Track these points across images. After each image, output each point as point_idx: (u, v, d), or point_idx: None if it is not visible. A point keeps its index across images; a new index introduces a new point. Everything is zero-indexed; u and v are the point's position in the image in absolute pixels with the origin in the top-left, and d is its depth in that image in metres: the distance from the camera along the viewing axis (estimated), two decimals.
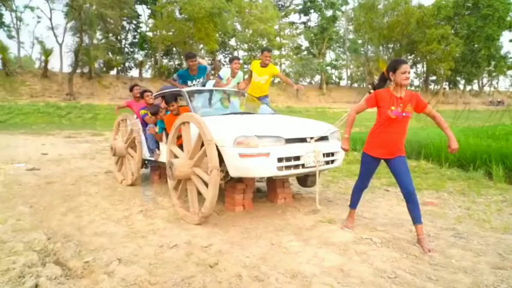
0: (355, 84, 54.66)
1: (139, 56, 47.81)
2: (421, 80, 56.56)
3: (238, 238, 3.35)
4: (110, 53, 41.30)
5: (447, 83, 56.95)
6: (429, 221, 3.70)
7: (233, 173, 3.68)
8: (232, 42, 47.51)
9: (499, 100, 53.99)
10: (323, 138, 4.09)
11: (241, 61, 6.16)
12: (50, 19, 31.06)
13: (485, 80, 59.38)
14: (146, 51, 46.90)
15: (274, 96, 42.20)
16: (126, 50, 46.16)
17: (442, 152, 7.07)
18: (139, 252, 3.01)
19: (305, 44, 50.20)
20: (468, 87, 59.25)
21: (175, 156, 4.11)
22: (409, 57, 54.09)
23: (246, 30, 42.62)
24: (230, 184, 4.27)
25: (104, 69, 42.48)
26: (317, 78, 51.09)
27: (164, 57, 49.55)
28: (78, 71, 34.00)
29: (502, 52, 54.47)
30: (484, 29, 45.18)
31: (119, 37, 43.83)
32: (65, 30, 31.29)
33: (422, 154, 7.52)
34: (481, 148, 6.27)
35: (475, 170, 6.01)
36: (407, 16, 42.07)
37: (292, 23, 48.30)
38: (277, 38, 43.97)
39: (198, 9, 32.00)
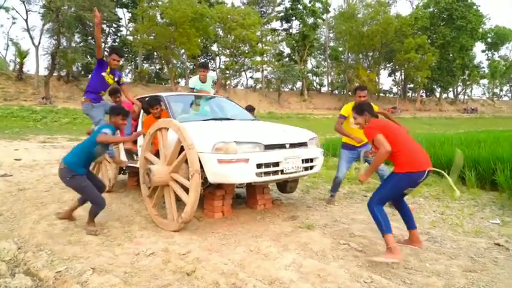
0: (336, 91, 55.47)
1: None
2: (399, 88, 57.96)
3: (216, 245, 3.32)
4: (88, 57, 40.63)
5: (424, 91, 58.63)
6: (404, 225, 3.77)
7: (212, 179, 3.65)
8: (214, 47, 47.56)
9: (472, 108, 56.04)
10: (302, 145, 4.12)
11: (208, 71, 6.36)
12: (26, 20, 30.17)
13: (459, 88, 61.40)
14: (126, 55, 46.36)
15: (255, 102, 42.40)
16: (105, 53, 45.53)
17: None
18: (115, 261, 2.94)
19: (287, 50, 50.76)
20: (444, 95, 61.16)
21: (150, 163, 4.05)
22: (388, 65, 55.56)
23: (228, 36, 42.72)
24: (209, 190, 4.23)
25: (83, 72, 41.72)
26: (299, 84, 51.72)
27: (145, 62, 49.13)
28: (55, 74, 33.16)
29: (475, 62, 56.73)
30: (458, 40, 46.93)
31: None
32: (42, 32, 30.47)
33: None
34: (453, 154, 6.44)
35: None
36: (386, 25, 43.20)
37: (274, 30, 48.75)
38: (259, 44, 44.25)
39: (180, 14, 31.90)
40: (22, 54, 31.39)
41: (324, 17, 51.10)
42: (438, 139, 8.73)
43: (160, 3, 37.85)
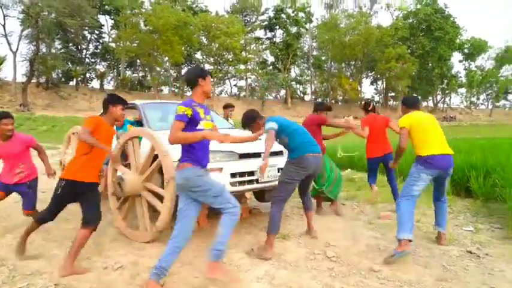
0: (319, 99, 56.09)
1: (101, 67, 46.62)
2: (381, 96, 59.10)
3: (189, 257, 3.22)
4: (69, 63, 39.94)
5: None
6: (381, 234, 3.77)
7: None
8: (198, 55, 47.55)
9: (451, 116, 57.49)
10: (278, 153, 4.09)
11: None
12: (3, 26, 29.47)
13: (439, 97, 63.00)
14: (109, 62, 45.83)
15: (239, 110, 42.46)
16: (87, 60, 44.88)
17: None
18: (80, 276, 2.81)
19: (271, 59, 51.18)
20: (424, 104, 62.59)
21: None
22: (370, 74, 56.66)
23: (212, 44, 42.80)
24: None
25: (63, 79, 40.96)
26: (282, 92, 52.07)
27: (128, 69, 48.64)
28: (34, 80, 32.48)
29: (453, 71, 58.43)
30: (437, 50, 48.30)
31: (79, 47, 42.55)
32: (20, 38, 29.84)
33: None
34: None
35: None
36: (367, 35, 44.14)
37: (258, 38, 49.13)
38: (243, 53, 44.49)
39: (163, 22, 31.82)
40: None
41: (307, 26, 51.88)
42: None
43: (143, 10, 37.76)
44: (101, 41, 44.81)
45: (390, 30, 46.81)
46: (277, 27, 47.99)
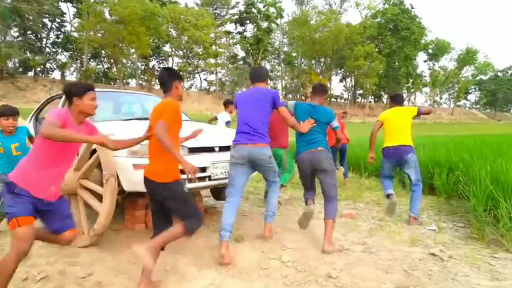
0: (290, 95, 56.29)
1: (63, 57, 44.34)
2: (349, 94, 60.18)
3: (127, 264, 2.83)
4: (28, 52, 37.61)
5: (373, 97, 61.31)
6: (342, 234, 3.53)
7: (127, 186, 3.16)
8: (167, 48, 46.27)
9: None
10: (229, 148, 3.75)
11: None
12: None
13: (405, 96, 64.90)
14: (71, 52, 43.64)
15: (209, 105, 41.76)
16: (48, 50, 42.49)
17: (361, 161, 7.21)
18: None
19: (241, 53, 50.68)
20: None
21: None
22: (339, 71, 57.50)
23: (182, 36, 41.74)
24: (130, 199, 3.73)
25: (21, 69, 38.57)
26: None
27: (92, 60, 46.54)
28: None
29: (418, 71, 60.40)
30: (403, 49, 49.66)
31: (39, 35, 40.19)
32: None
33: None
34: None
35: None
36: (337, 32, 44.62)
37: (228, 32, 48.44)
38: (213, 47, 43.72)
39: (129, 12, 30.51)
40: None
41: (278, 22, 51.72)
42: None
43: None
44: (62, 30, 42.57)
45: (359, 28, 47.56)
46: (248, 21, 47.46)
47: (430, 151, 6.51)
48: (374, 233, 3.58)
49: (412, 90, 62.89)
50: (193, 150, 3.35)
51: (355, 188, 6.03)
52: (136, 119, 4.13)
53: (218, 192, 4.54)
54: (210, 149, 3.51)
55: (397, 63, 52.12)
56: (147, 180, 2.42)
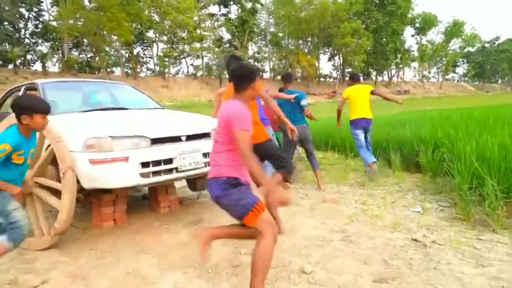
0: (278, 77, 55.71)
1: (44, 47, 43.02)
2: (338, 72, 59.74)
3: (87, 267, 2.61)
4: (6, 44, 36.35)
5: (362, 75, 61.02)
6: (321, 222, 3.34)
7: (85, 183, 2.91)
8: (151, 34, 45.08)
9: (405, 89, 59.46)
10: (204, 136, 3.50)
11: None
12: None
13: (393, 71, 64.78)
14: (52, 42, 42.33)
15: (196, 90, 41.12)
16: (27, 41, 41.12)
17: (347, 142, 7.01)
18: None
19: (227, 36, 49.72)
20: (380, 78, 64.18)
21: None
22: (327, 50, 56.87)
23: (166, 21, 40.62)
24: (96, 195, 3.48)
25: (1, 62, 37.34)
26: None
27: (74, 50, 45.25)
28: None
29: (406, 46, 60.07)
30: (390, 24, 49.20)
31: (16, 26, 38.80)
32: None
33: (329, 145, 7.43)
34: (381, 137, 6.26)
35: (377, 159, 5.98)
36: (323, 10, 43.86)
37: (212, 15, 47.35)
38: (198, 30, 42.73)
39: None
40: None
41: (263, 1, 50.65)
42: None
43: None
44: (40, 19, 41.15)
45: (345, 5, 46.86)
46: (232, 2, 46.42)
47: (416, 127, 6.31)
48: (355, 219, 3.40)
49: (400, 66, 62.75)
50: (156, 141, 3.09)
51: (340, 170, 5.85)
52: (100, 109, 3.84)
53: (192, 183, 4.30)
54: (176, 139, 3.25)
55: (384, 39, 51.73)
56: None
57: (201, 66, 47.79)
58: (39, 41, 42.43)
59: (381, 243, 2.75)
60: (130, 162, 2.88)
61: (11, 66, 37.36)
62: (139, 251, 2.85)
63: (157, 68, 46.08)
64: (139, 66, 49.17)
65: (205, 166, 3.46)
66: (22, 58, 39.41)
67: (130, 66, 45.07)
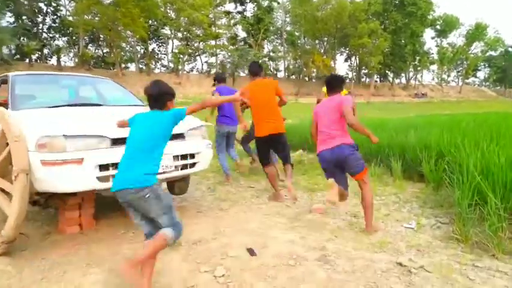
0: (293, 76, 55.21)
1: (61, 42, 43.69)
2: (354, 73, 58.78)
3: (28, 281, 2.35)
4: (25, 39, 37.01)
5: (378, 76, 59.93)
6: (301, 236, 3.00)
7: (38, 186, 2.67)
8: (167, 30, 45.22)
9: (422, 93, 58.11)
10: (176, 137, 3.21)
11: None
12: None
13: (411, 74, 63.33)
14: (68, 37, 42.93)
15: (209, 87, 40.99)
16: (44, 35, 41.77)
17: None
18: None
19: (242, 34, 49.46)
20: (397, 80, 62.92)
21: None
22: (344, 50, 55.98)
23: (181, 18, 40.62)
24: (60, 198, 3.23)
25: (18, 56, 38.06)
26: None
27: (91, 45, 45.82)
28: None
29: (425, 48, 58.58)
30: (409, 26, 47.97)
31: (34, 21, 39.46)
32: None
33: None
34: (383, 141, 5.85)
35: (377, 165, 5.59)
36: (340, 10, 43.08)
37: (228, 12, 47.14)
38: (213, 28, 42.61)
39: None
40: None
41: (280, 0, 50.16)
42: (374, 123, 8.19)
43: None
44: (58, 14, 41.75)
45: (363, 5, 45.92)
46: (248, 0, 46.10)
47: (423, 132, 5.88)
48: (340, 234, 3.05)
49: (418, 68, 61.29)
50: (118, 141, 2.81)
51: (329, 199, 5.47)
52: (72, 105, 3.59)
53: (170, 186, 4.01)
54: None
55: (403, 41, 50.52)
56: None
57: (214, 64, 47.68)
58: (56, 36, 43.09)
59: (361, 266, 2.40)
60: (85, 164, 2.62)
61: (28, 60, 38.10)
62: (91, 262, 2.58)
63: (171, 65, 46.22)
64: (153, 63, 49.46)
65: (176, 170, 3.18)
66: (39, 52, 40.10)
67: (145, 62, 45.33)
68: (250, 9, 47.38)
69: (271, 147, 4.24)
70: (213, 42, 44.68)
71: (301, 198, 4.31)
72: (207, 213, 3.69)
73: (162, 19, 39.52)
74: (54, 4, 40.39)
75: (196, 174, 5.72)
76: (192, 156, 3.33)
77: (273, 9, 47.62)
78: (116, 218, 3.59)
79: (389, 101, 48.28)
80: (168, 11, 41.06)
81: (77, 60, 39.60)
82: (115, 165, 2.74)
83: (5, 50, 34.78)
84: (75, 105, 3.58)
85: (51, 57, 43.14)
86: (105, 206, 3.80)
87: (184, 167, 3.29)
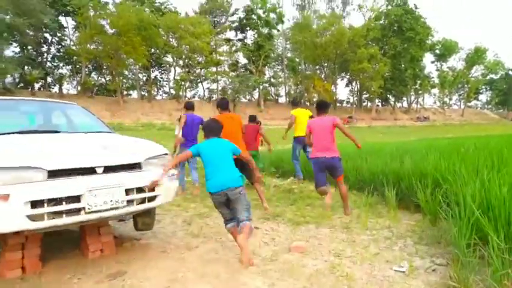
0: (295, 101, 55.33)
1: (64, 70, 44.43)
2: (355, 98, 58.93)
3: None
4: (29, 67, 37.61)
5: (380, 101, 60.02)
6: (270, 283, 2.56)
7: None
8: (169, 58, 45.89)
9: (424, 116, 57.93)
10: (131, 167, 2.84)
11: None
12: None
13: (412, 97, 63.41)
14: (72, 66, 43.65)
15: (210, 113, 41.05)
16: (48, 64, 42.48)
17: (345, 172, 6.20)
18: None
19: (243, 61, 50.06)
20: (398, 104, 62.95)
21: None
22: (344, 75, 56.42)
23: (183, 46, 41.29)
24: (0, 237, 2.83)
25: (22, 84, 38.58)
26: (257, 95, 50.92)
27: (94, 73, 46.50)
28: None
29: (425, 72, 58.94)
30: (409, 50, 48.42)
31: (39, 50, 40.29)
32: None
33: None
34: (377, 168, 5.46)
35: (371, 194, 5.16)
36: (340, 36, 43.70)
37: (229, 40, 47.94)
38: (214, 54, 43.18)
39: (124, 22, 30.13)
40: None
41: (280, 27, 51.10)
42: (373, 148, 7.79)
43: (108, 11, 35.92)
44: (63, 43, 42.65)
45: (362, 31, 46.58)
46: (248, 28, 46.94)
47: (420, 158, 5.48)
48: (316, 280, 2.60)
49: (420, 92, 61.42)
50: (56, 174, 2.44)
51: (326, 205, 5.03)
52: (23, 132, 3.24)
53: (134, 221, 3.60)
54: (88, 171, 2.59)
55: (403, 65, 50.88)
56: None
57: (215, 90, 48.02)
58: (60, 65, 43.83)
59: None
60: (11, 200, 2.23)
61: (36, 87, 38.64)
62: None
63: (173, 91, 46.60)
64: (155, 90, 49.96)
65: (130, 205, 2.78)
66: (43, 81, 40.67)
67: (147, 89, 45.76)
68: (250, 36, 48.21)
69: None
70: (214, 69, 45.17)
71: (282, 233, 3.87)
72: (171, 254, 3.26)
73: (164, 47, 40.15)
74: (59, 34, 41.34)
75: (180, 206, 5.34)
76: (152, 188, 2.94)
77: (273, 36, 48.40)
78: (66, 259, 3.16)
79: (392, 124, 48.04)
80: (170, 39, 41.79)
81: (79, 88, 39.98)
82: (52, 201, 2.38)
83: (8, 79, 35.30)
84: (27, 132, 3.23)
85: (54, 85, 43.76)
86: (55, 244, 3.39)
87: (141, 201, 2.90)
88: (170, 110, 40.15)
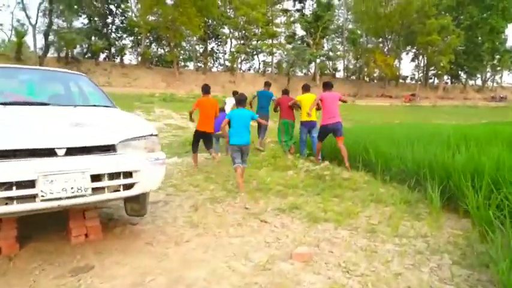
0: (353, 77, 52.63)
1: (127, 41, 46.25)
2: (421, 74, 54.46)
3: None
4: (96, 38, 39.62)
5: (449, 78, 54.86)
6: None
7: None
8: (226, 30, 45.63)
9: (501, 96, 51.87)
10: (103, 150, 2.45)
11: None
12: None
13: (488, 75, 57.01)
14: (134, 37, 45.25)
15: (262, 86, 40.50)
16: (113, 35, 44.46)
17: (379, 159, 5.40)
18: None
19: (301, 33, 48.17)
20: (471, 82, 57.17)
21: None
22: (409, 49, 52.06)
23: (240, 17, 40.62)
24: None
25: (89, 54, 40.91)
26: (313, 69, 49.08)
27: (155, 44, 47.86)
28: (55, 55, 32.38)
29: (507, 46, 52.16)
30: (488, 21, 42.89)
31: (104, 21, 42.18)
32: (38, 11, 29.56)
33: (361, 162, 5.84)
34: (424, 159, 4.59)
35: (412, 190, 4.38)
36: (406, 5, 39.89)
37: (286, 11, 46.15)
38: (270, 26, 41.98)
39: None
40: (20, 34, 30.59)
41: None
42: (422, 132, 6.76)
43: None
44: (126, 15, 44.17)
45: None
46: None
47: (479, 149, 4.47)
48: None
49: (498, 69, 54.87)
50: (5, 154, 2.11)
51: (358, 199, 4.36)
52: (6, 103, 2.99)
53: (126, 205, 3.26)
54: (46, 152, 2.24)
55: (479, 38, 45.39)
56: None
57: (270, 63, 47.05)
58: (124, 36, 45.66)
59: None
60: None
61: (101, 57, 40.89)
62: None
63: (227, 64, 46.55)
64: (211, 62, 50.28)
65: (98, 193, 2.41)
66: (107, 51, 42.76)
67: (203, 61, 46.20)
68: (309, 6, 45.95)
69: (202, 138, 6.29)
70: (270, 41, 44.06)
71: (292, 231, 3.32)
72: (155, 248, 2.88)
73: (221, 18, 39.81)
74: (122, 6, 42.81)
75: (198, 186, 5.00)
76: (128, 174, 2.55)
77: (332, 6, 45.64)
78: (47, 242, 2.93)
79: (460, 104, 43.65)
80: (226, 9, 41.28)
81: (139, 58, 41.44)
82: (1, 186, 2.07)
83: (77, 49, 37.54)
84: (9, 104, 2.97)
85: (118, 55, 45.91)
86: (45, 224, 3.19)
87: (116, 189, 2.52)
88: (224, 83, 40.23)
